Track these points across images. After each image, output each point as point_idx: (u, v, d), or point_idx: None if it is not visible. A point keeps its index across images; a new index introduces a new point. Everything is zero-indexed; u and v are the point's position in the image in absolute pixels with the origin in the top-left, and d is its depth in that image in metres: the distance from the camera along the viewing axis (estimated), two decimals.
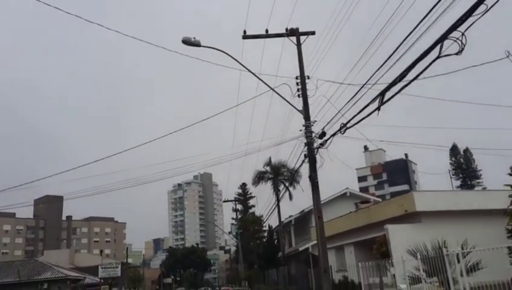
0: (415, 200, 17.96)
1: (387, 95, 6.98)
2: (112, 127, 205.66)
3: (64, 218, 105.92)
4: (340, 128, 9.17)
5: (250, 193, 65.25)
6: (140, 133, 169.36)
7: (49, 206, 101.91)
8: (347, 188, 35.51)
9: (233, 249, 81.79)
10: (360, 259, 23.72)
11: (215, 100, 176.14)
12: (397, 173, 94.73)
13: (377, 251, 18.27)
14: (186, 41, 12.27)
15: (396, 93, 6.81)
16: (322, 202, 36.18)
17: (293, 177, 30.51)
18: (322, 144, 10.89)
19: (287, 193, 33.34)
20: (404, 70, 6.28)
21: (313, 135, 11.86)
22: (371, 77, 8.34)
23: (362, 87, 8.84)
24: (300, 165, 12.59)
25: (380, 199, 35.57)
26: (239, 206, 58.11)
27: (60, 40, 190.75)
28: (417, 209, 17.96)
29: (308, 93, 12.64)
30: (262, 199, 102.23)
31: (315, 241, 31.61)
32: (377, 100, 7.33)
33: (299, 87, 12.73)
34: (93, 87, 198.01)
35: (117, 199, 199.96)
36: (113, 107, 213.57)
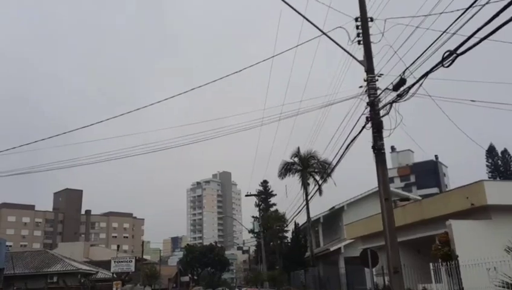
0: (486, 191, 14.70)
1: None
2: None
3: (83, 212, 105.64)
4: (443, 58, 6.20)
5: (271, 191, 62.52)
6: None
7: (68, 199, 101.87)
8: None
9: (252, 249, 78.96)
10: (406, 262, 20.51)
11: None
12: (426, 175, 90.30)
13: (437, 251, 15.07)
14: None
15: None
16: (353, 199, 33.00)
17: (326, 171, 27.50)
18: (400, 95, 7.92)
19: (313, 187, 30.34)
20: None
21: (379, 89, 8.92)
22: None
23: (470, 7, 5.88)
24: (359, 133, 9.64)
25: (420, 197, 32.00)
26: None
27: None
28: (488, 202, 14.73)
29: (372, 39, 9.68)
30: (285, 196, 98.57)
31: (348, 241, 28.58)
32: None
33: (360, 31, 9.78)
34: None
35: (136, 196, 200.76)
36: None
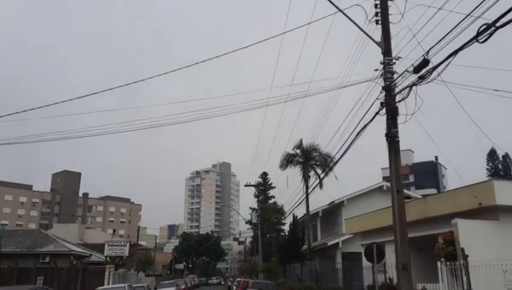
0: (496, 191, 14.13)
1: None
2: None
3: (80, 195, 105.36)
4: (478, 33, 5.48)
5: (271, 183, 62.32)
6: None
7: (67, 181, 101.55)
8: (383, 182, 31.91)
9: (248, 240, 78.80)
10: None
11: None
12: (425, 175, 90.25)
13: (441, 250, 14.54)
14: None
15: None
16: (354, 195, 32.39)
17: (328, 165, 26.96)
18: (422, 77, 7.30)
19: (313, 181, 29.78)
20: None
21: (396, 73, 8.31)
22: None
23: None
24: (371, 120, 9.04)
25: (420, 196, 31.53)
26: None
27: None
28: (497, 202, 14.18)
29: (391, 19, 9.03)
30: (284, 188, 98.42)
31: (347, 237, 28.08)
32: None
33: (378, 10, 9.13)
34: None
35: (135, 182, 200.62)
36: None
